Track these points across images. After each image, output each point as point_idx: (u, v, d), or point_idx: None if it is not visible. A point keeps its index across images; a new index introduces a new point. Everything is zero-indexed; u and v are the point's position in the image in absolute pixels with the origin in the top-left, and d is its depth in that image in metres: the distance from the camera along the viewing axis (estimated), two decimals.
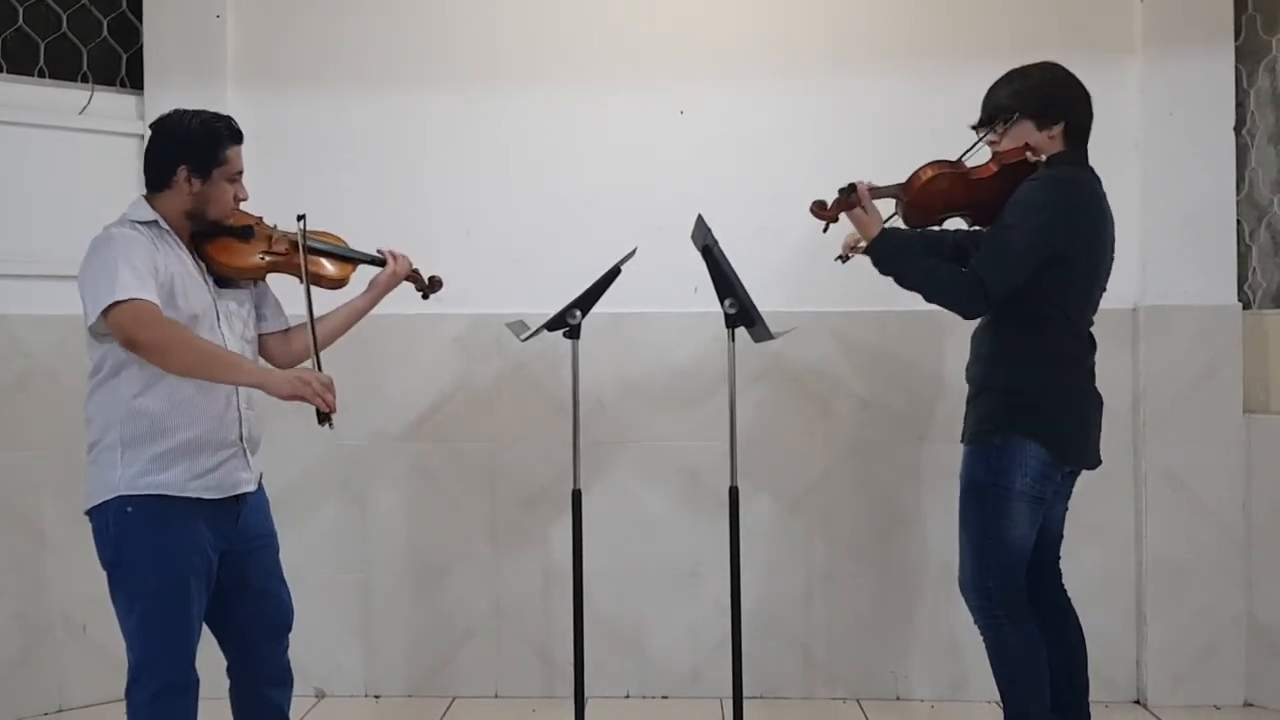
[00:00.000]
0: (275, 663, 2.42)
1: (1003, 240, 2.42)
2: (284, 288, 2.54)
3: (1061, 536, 2.65)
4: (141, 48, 3.48)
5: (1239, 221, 3.35)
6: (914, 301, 2.57)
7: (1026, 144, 2.47)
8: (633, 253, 2.71)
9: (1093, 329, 2.55)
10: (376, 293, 2.60)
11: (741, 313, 2.62)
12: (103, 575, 2.23)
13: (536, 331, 2.72)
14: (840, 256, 2.74)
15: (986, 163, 2.51)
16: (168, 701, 2.18)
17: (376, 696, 3.46)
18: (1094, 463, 2.57)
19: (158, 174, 2.30)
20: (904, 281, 2.53)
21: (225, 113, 2.38)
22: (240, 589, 2.34)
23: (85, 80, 3.47)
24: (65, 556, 3.24)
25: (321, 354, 2.31)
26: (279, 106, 3.43)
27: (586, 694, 2.77)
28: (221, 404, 2.26)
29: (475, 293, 3.28)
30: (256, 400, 2.36)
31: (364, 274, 2.62)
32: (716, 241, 2.60)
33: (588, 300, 2.68)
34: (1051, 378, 2.47)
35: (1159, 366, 3.30)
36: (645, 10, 3.44)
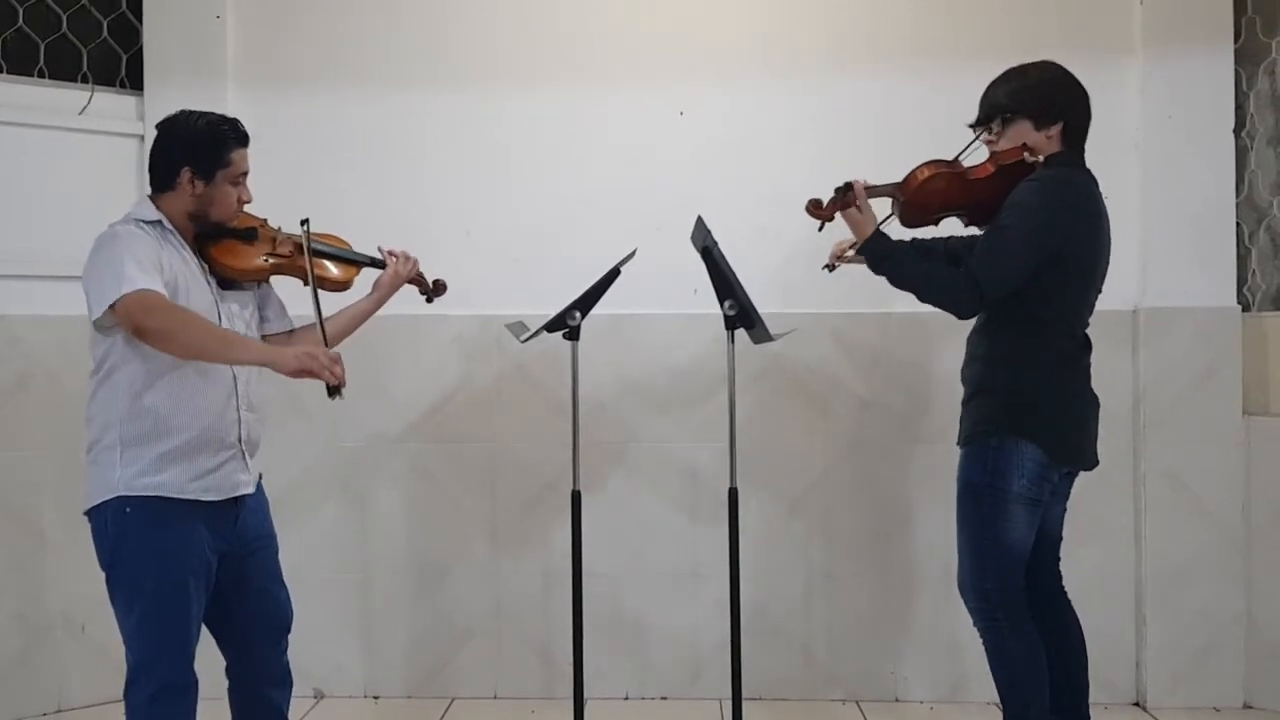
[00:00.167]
0: (274, 663, 2.42)
1: (999, 241, 2.42)
2: (287, 290, 2.54)
3: (1060, 538, 2.65)
4: (141, 48, 3.48)
5: (1239, 223, 3.35)
6: (913, 303, 2.56)
7: (1024, 144, 2.47)
8: (632, 254, 2.71)
9: (1091, 330, 2.55)
10: (381, 294, 2.61)
11: (741, 314, 2.62)
12: (102, 575, 2.24)
13: (536, 333, 2.72)
14: (828, 265, 2.73)
15: (984, 163, 2.50)
16: (166, 702, 2.18)
17: (376, 697, 3.46)
18: (1091, 463, 2.57)
19: (162, 174, 2.30)
20: (898, 281, 2.53)
21: (225, 113, 2.38)
22: (239, 590, 2.34)
23: (85, 81, 3.47)
24: (65, 556, 3.24)
25: None
26: (279, 106, 3.42)
27: (586, 695, 2.77)
28: (221, 405, 2.27)
29: (475, 293, 3.28)
30: (257, 403, 2.36)
31: (368, 276, 2.62)
32: (716, 243, 2.60)
33: (587, 301, 2.68)
34: (1048, 379, 2.46)
35: (1159, 368, 3.30)
36: (645, 10, 3.44)
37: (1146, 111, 3.32)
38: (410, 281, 2.66)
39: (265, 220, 2.44)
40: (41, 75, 3.42)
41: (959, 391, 2.62)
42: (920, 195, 2.49)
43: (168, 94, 3.33)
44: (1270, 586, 3.26)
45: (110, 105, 3.46)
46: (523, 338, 2.76)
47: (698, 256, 2.65)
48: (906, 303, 2.67)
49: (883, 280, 2.56)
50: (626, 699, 3.44)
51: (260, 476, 2.42)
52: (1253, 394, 3.29)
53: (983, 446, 2.48)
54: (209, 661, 2.33)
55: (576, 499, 2.73)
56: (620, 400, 3.42)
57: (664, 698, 3.44)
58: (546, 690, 3.43)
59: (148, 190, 2.35)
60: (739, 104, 3.42)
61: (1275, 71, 3.33)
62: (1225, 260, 3.32)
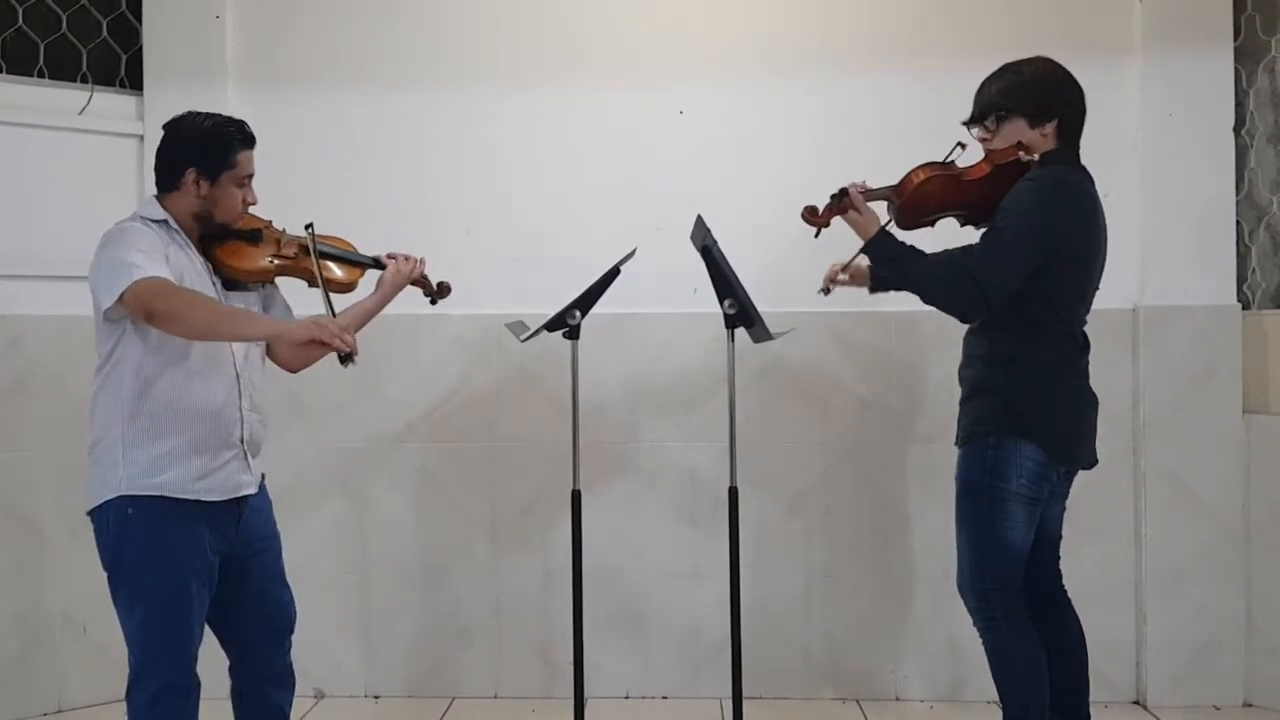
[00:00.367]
0: (277, 664, 2.42)
1: (998, 245, 2.41)
2: (290, 291, 2.54)
3: (1060, 537, 2.65)
4: (141, 48, 3.48)
5: (1238, 222, 3.35)
6: (913, 302, 2.57)
7: (1019, 142, 2.46)
8: (632, 253, 2.71)
9: (1090, 329, 2.55)
10: (384, 292, 2.59)
11: (741, 313, 2.62)
12: (103, 575, 2.23)
13: (536, 332, 2.71)
14: (822, 289, 2.71)
15: (979, 163, 2.50)
16: (168, 703, 2.18)
17: (376, 697, 3.46)
18: (1090, 462, 2.57)
19: (167, 175, 2.31)
20: (903, 281, 2.52)
21: (225, 113, 2.38)
22: (242, 591, 2.34)
23: (85, 81, 3.47)
24: (65, 556, 3.25)
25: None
26: (279, 106, 3.42)
27: (586, 694, 2.76)
28: (224, 405, 2.27)
29: (475, 293, 3.28)
30: (260, 403, 2.36)
31: (372, 278, 2.62)
32: (716, 242, 2.60)
33: (587, 301, 2.68)
34: (1046, 378, 2.46)
35: (1158, 366, 3.30)
36: (645, 10, 3.44)
37: (1146, 110, 3.32)
38: (415, 283, 2.65)
39: (270, 222, 2.44)
40: (41, 75, 3.42)
41: (958, 391, 2.61)
42: (916, 197, 2.48)
43: (167, 94, 3.34)
44: (1270, 585, 3.26)
45: (110, 105, 3.46)
46: (522, 337, 2.76)
47: (697, 256, 2.65)
48: (906, 302, 2.67)
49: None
50: (627, 698, 3.44)
51: (263, 477, 2.42)
52: (1253, 392, 3.29)
53: (981, 446, 2.47)
54: (211, 661, 2.32)
55: (576, 498, 2.73)
56: (620, 400, 3.42)
57: (664, 697, 3.44)
58: (547, 690, 3.43)
59: (152, 190, 2.35)
60: (739, 104, 3.42)
61: (1275, 69, 3.33)
62: (1225, 258, 3.32)
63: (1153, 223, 3.30)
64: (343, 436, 3.45)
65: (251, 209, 2.39)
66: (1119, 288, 3.15)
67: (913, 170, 2.49)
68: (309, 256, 2.41)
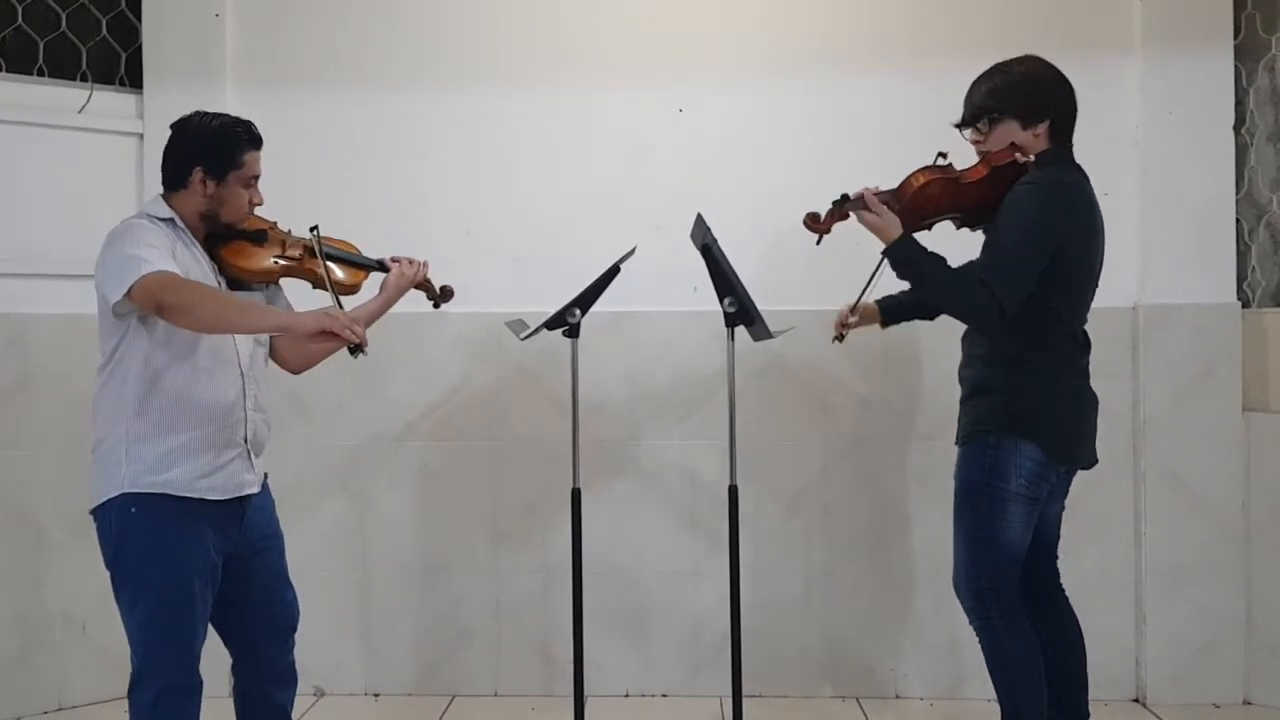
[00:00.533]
0: (280, 663, 2.42)
1: (1003, 253, 2.41)
2: (293, 294, 2.54)
3: (1059, 536, 2.65)
4: (140, 47, 3.48)
5: (1238, 220, 3.35)
6: None
7: (1014, 144, 2.46)
8: (632, 251, 2.71)
9: (1090, 328, 2.55)
10: (388, 295, 2.59)
11: (741, 311, 2.62)
12: (103, 574, 2.23)
13: (536, 330, 2.71)
14: (836, 337, 2.78)
15: (976, 165, 2.50)
16: (171, 703, 2.18)
17: (376, 695, 3.46)
18: (1090, 462, 2.57)
19: (173, 173, 2.31)
20: (921, 283, 2.51)
21: (224, 113, 2.39)
22: (245, 590, 2.34)
23: (84, 79, 3.47)
24: (65, 556, 3.25)
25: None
26: (278, 106, 3.41)
27: (586, 692, 2.76)
28: (228, 404, 2.27)
29: (475, 293, 3.27)
30: (264, 403, 2.37)
31: (376, 280, 2.62)
32: (716, 240, 2.60)
33: (587, 299, 2.67)
34: (1046, 378, 2.46)
35: (1158, 365, 3.30)
36: (645, 10, 3.44)
37: (1146, 109, 3.32)
38: (418, 286, 2.65)
39: (275, 223, 2.45)
40: (41, 74, 3.42)
41: (958, 389, 2.62)
42: (916, 200, 2.48)
43: (167, 93, 3.34)
44: (1270, 583, 3.26)
45: (109, 104, 3.46)
46: (522, 335, 2.75)
47: (697, 254, 2.65)
48: None
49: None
50: (627, 696, 3.44)
51: (266, 476, 2.42)
52: (1252, 390, 3.29)
53: (981, 445, 2.48)
54: (213, 659, 2.32)
55: (576, 497, 2.73)
56: (620, 398, 3.42)
57: (664, 695, 3.44)
58: (547, 688, 3.43)
59: (152, 188, 2.36)
60: (739, 103, 3.42)
61: (1275, 68, 3.33)
62: (1225, 257, 3.32)
63: (1153, 221, 3.31)
64: (343, 435, 3.45)
65: (256, 210, 2.39)
66: (1119, 286, 3.16)
67: (912, 174, 2.50)
68: (314, 258, 2.41)
